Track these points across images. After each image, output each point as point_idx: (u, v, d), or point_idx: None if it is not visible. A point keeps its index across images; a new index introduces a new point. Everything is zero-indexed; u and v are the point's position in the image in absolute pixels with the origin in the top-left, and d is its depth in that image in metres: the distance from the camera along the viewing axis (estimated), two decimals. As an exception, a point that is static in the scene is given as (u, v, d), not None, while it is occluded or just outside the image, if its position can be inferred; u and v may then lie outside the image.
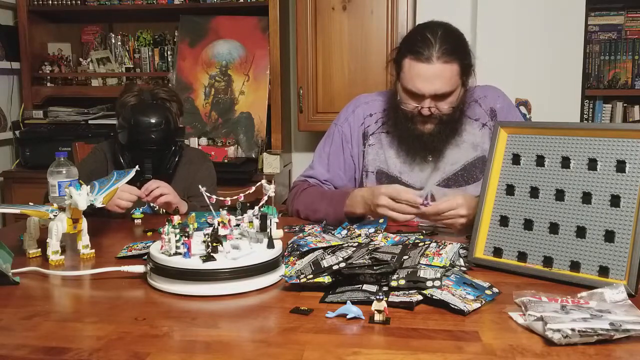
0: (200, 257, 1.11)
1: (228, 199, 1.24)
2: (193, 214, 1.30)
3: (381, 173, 1.75)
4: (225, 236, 1.16)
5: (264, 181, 1.27)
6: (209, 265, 1.09)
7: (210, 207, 1.23)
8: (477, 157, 1.71)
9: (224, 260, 1.10)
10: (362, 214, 1.59)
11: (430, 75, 1.55)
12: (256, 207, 1.22)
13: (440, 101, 1.59)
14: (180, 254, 1.12)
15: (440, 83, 1.56)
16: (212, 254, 1.12)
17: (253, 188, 1.27)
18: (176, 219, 1.18)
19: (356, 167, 1.81)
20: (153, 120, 1.89)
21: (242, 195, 1.24)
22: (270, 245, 1.17)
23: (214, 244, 1.13)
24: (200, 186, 1.26)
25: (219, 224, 1.15)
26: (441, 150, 1.69)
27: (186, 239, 1.12)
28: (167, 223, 1.16)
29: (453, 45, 1.57)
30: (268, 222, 1.18)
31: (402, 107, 1.64)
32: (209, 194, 1.22)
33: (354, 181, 1.82)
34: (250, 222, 1.22)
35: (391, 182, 1.71)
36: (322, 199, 1.69)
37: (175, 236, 1.13)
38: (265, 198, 1.23)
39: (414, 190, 1.52)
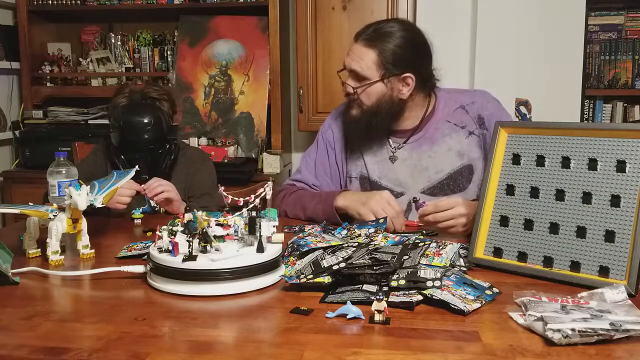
0: (184, 256, 1.11)
1: (241, 199, 1.23)
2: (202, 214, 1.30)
3: (364, 178, 1.77)
4: (222, 237, 1.15)
5: (269, 182, 1.27)
6: (209, 266, 1.09)
7: (227, 206, 1.23)
8: (463, 165, 1.69)
9: (204, 261, 1.09)
10: (352, 215, 1.59)
11: (352, 52, 1.65)
12: (244, 209, 1.20)
13: (355, 81, 1.65)
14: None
15: (355, 61, 1.64)
16: (197, 254, 1.11)
17: (261, 189, 1.26)
18: (187, 217, 1.18)
19: (340, 173, 1.82)
20: (142, 120, 1.89)
21: (252, 196, 1.23)
22: (260, 249, 1.14)
23: (203, 244, 1.13)
24: (219, 185, 1.26)
25: (208, 226, 1.15)
26: (380, 139, 1.73)
27: (172, 237, 1.12)
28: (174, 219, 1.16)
29: (383, 37, 1.61)
30: (257, 225, 1.15)
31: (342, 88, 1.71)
32: (225, 194, 1.22)
33: (340, 187, 1.83)
34: (246, 224, 1.21)
35: (373, 187, 1.73)
36: (312, 198, 1.70)
37: (174, 234, 1.13)
38: (257, 200, 1.22)
39: (397, 206, 1.52)
